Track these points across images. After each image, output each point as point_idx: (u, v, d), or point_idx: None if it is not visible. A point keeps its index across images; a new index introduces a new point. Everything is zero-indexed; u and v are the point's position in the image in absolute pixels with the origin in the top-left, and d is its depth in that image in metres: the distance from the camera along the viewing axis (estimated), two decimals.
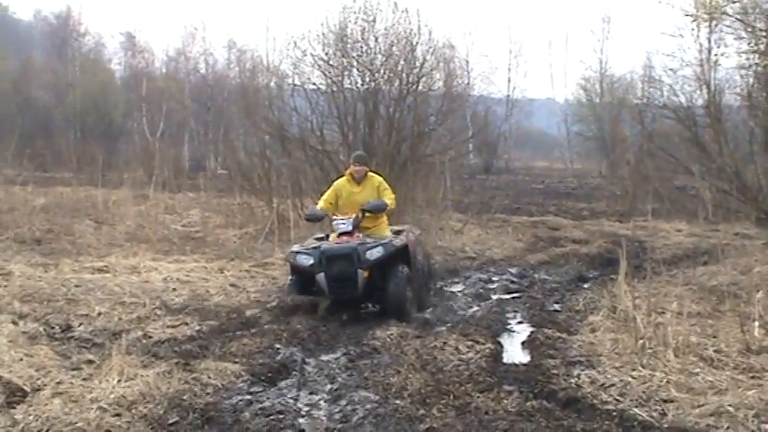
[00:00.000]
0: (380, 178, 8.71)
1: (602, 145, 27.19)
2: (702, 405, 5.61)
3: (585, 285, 11.13)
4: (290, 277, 8.40)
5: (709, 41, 15.66)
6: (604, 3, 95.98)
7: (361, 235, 8.02)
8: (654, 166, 19.19)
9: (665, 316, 7.66)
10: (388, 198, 8.36)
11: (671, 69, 17.52)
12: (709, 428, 5.13)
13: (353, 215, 8.15)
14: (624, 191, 21.86)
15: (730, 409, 5.39)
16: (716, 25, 14.79)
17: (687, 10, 13.84)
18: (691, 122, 16.60)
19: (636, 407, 5.61)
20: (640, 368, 6.37)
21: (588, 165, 29.44)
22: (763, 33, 13.06)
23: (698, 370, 6.30)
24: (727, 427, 5.10)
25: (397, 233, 8.72)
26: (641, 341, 6.79)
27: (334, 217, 8.17)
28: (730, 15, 13.39)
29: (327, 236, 8.55)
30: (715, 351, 6.74)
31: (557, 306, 9.78)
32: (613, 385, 6.11)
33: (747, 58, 14.57)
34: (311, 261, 7.82)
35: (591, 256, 13.38)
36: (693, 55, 16.60)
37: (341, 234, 8.08)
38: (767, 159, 15.41)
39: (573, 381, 6.32)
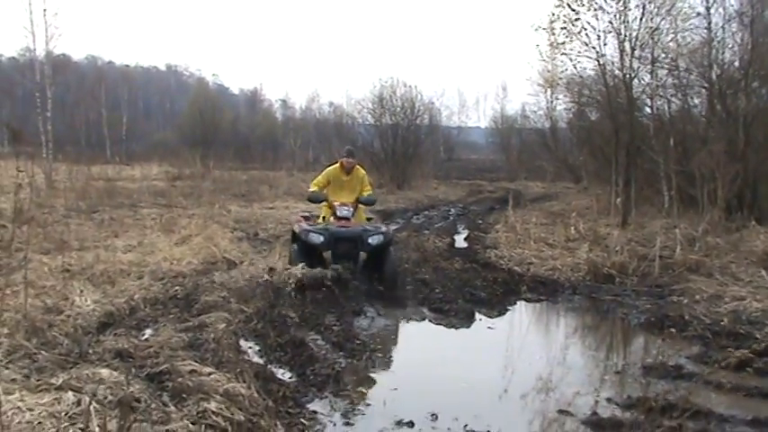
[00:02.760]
0: (364, 172, 9.85)
1: (503, 147, 42.42)
2: (546, 266, 10.91)
3: (494, 211, 20.46)
4: (294, 246, 9.29)
5: (551, 96, 30.29)
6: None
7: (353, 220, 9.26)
8: (526, 158, 34.38)
9: (530, 224, 14.44)
10: (368, 191, 9.81)
11: (533, 111, 32.67)
12: (550, 275, 10.35)
13: (352, 204, 9.41)
14: (512, 169, 37.10)
15: (559, 266, 10.69)
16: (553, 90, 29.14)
17: (540, 81, 28.04)
18: (543, 136, 31.83)
19: (515, 266, 11.14)
20: (518, 249, 12.37)
21: (497, 157, 45.07)
22: (577, 94, 23.01)
23: (544, 249, 12.05)
24: (557, 275, 10.26)
25: (369, 220, 10.20)
26: (518, 236, 13.40)
27: (338, 203, 9.31)
28: (561, 84, 23.56)
29: (310, 215, 10.18)
30: (552, 241, 12.80)
31: (480, 221, 18.04)
32: (505, 257, 11.93)
33: (567, 107, 27.24)
34: (321, 239, 8.68)
35: (496, 198, 24.47)
36: (543, 104, 31.49)
37: (341, 218, 9.15)
38: (580, 153, 27.00)
39: (487, 255, 12.09)
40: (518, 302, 9.23)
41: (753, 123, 15.45)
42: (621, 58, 15.44)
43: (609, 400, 5.22)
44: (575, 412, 5.01)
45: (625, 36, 15.47)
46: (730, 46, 16.66)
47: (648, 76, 16.41)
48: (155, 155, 37.40)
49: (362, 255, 8.96)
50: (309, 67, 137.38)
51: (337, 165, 9.66)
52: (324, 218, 9.66)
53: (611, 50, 16.23)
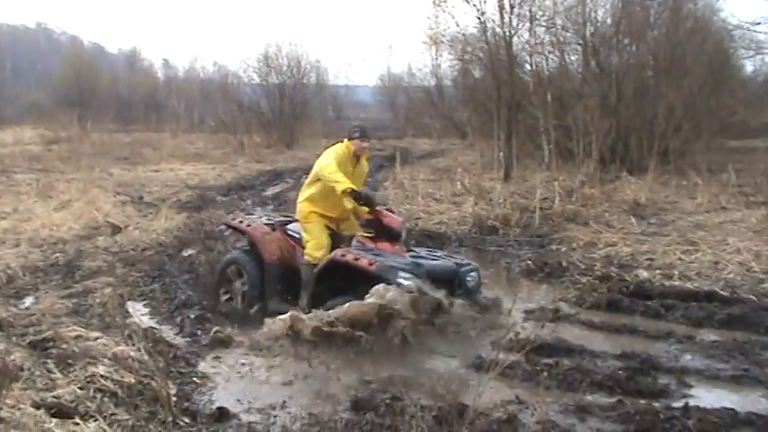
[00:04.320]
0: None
1: (391, 105, 42.43)
2: (434, 220, 11.40)
3: (383, 169, 19.95)
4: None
5: (436, 54, 30.57)
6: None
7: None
8: (413, 115, 34.74)
9: (417, 181, 14.73)
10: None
11: (419, 69, 32.84)
12: (437, 228, 10.72)
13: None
14: (400, 127, 37.29)
15: (447, 220, 11.14)
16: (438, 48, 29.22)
17: (424, 39, 28.07)
18: (429, 94, 32.20)
19: (406, 221, 9.36)
20: (407, 204, 12.58)
21: (385, 115, 44.30)
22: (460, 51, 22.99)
23: (432, 204, 12.63)
24: (444, 229, 10.64)
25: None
26: (406, 192, 13.68)
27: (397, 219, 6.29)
28: (444, 42, 23.50)
29: (277, 221, 6.83)
30: (439, 196, 13.41)
31: (369, 179, 15.74)
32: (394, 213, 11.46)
33: (451, 65, 27.15)
34: (411, 284, 5.43)
35: (385, 156, 23.60)
36: (428, 62, 31.53)
37: (392, 238, 6.06)
38: (465, 110, 26.55)
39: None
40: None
41: (624, 79, 16.30)
42: (501, 16, 15.85)
43: (492, 343, 5.46)
44: (458, 355, 5.24)
45: None
46: (603, 4, 17.46)
47: (527, 33, 16.92)
48: (27, 118, 35.23)
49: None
50: (192, 26, 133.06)
51: (343, 147, 6.40)
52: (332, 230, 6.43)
53: (491, 8, 16.58)
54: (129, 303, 6.54)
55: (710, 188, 12.44)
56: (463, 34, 19.30)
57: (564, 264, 8.30)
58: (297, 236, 6.46)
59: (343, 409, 4.20)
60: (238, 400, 4.36)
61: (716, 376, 4.90)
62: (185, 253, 8.83)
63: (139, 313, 6.34)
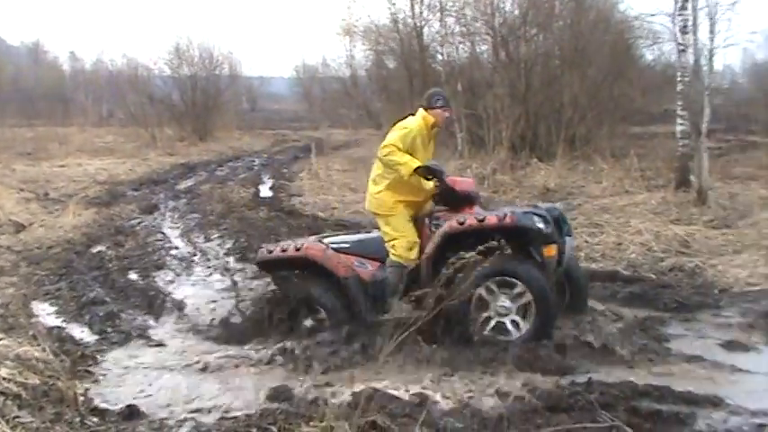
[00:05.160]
0: None
1: (306, 96, 42.03)
2: (349, 210, 11.49)
3: (298, 160, 20.01)
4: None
5: (350, 45, 30.31)
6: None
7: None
8: (328, 106, 34.52)
9: (333, 171, 14.91)
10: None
11: (334, 60, 32.57)
12: (353, 218, 10.71)
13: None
14: (315, 118, 36.91)
15: (362, 210, 10.33)
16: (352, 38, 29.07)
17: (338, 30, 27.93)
18: (344, 84, 32.11)
19: (319, 212, 11.43)
20: (322, 195, 12.65)
21: (301, 106, 43.71)
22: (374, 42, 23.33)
23: (347, 194, 12.81)
24: (360, 219, 10.72)
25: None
26: (322, 183, 13.62)
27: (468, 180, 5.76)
28: (357, 32, 23.31)
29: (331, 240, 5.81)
30: (355, 186, 13.37)
31: (285, 170, 17.67)
32: (309, 204, 12.20)
33: (365, 55, 28.31)
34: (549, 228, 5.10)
35: (301, 147, 23.86)
36: (343, 52, 31.29)
37: (466, 200, 5.44)
38: (378, 101, 27.00)
39: (292, 203, 12.38)
40: None
41: (532, 69, 16.68)
42: (412, 7, 15.97)
43: None
44: None
45: None
46: None
47: (438, 24, 17.09)
48: None
49: None
50: (99, 18, 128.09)
51: (419, 120, 5.52)
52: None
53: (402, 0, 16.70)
54: (34, 303, 6.33)
55: (615, 173, 12.90)
56: (375, 25, 19.33)
57: None
58: (344, 245, 5.65)
59: (259, 400, 4.18)
60: (149, 397, 4.29)
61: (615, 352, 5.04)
62: (94, 249, 8.61)
63: (45, 313, 6.14)
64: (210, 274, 7.78)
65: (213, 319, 5.95)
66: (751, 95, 24.65)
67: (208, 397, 4.29)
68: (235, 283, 7.11)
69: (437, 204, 5.55)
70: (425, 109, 5.51)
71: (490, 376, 4.57)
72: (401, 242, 5.32)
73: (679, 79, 11.07)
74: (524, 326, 5.05)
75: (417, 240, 5.35)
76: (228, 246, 8.97)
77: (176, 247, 8.75)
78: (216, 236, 9.38)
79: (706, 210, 9.75)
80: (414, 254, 5.31)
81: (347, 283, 5.38)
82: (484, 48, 18.18)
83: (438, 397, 4.17)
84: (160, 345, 5.21)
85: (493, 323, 5.07)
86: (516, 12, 17.81)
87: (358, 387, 4.17)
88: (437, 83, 16.72)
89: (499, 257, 4.96)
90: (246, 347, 5.12)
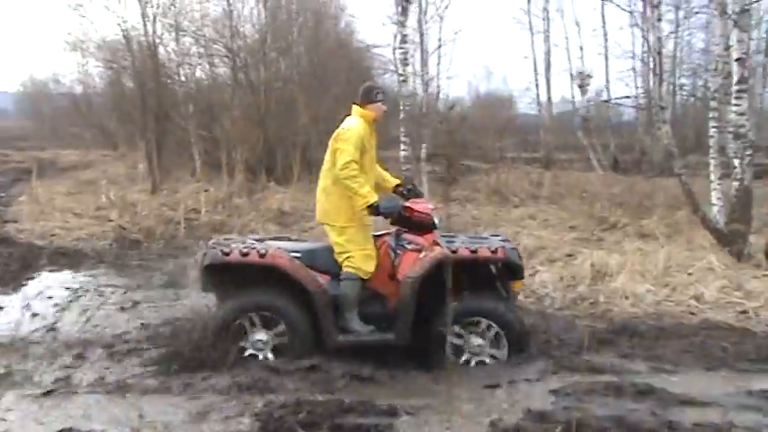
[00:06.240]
0: None
1: (34, 113, 38.27)
2: (72, 236, 10.98)
3: (20, 182, 17.83)
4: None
5: (83, 60, 28.39)
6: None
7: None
8: (59, 124, 31.89)
9: (57, 195, 13.84)
10: None
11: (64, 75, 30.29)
12: (75, 245, 10.38)
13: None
14: (44, 137, 33.77)
15: (86, 236, 10.88)
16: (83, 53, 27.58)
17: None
18: (75, 102, 29.97)
19: (37, 239, 10.55)
20: (42, 221, 11.61)
21: (28, 123, 39.44)
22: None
23: (71, 220, 11.83)
24: (82, 246, 10.33)
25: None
26: (42, 208, 12.55)
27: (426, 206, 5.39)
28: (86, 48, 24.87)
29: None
30: (80, 210, 12.50)
31: (2, 194, 15.90)
32: (26, 230, 11.12)
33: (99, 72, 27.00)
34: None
35: (24, 169, 20.86)
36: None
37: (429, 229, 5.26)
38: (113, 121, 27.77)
39: (6, 229, 11.28)
40: (38, 276, 8.69)
41: (271, 92, 16.84)
42: (144, 24, 15.35)
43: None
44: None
45: (147, 1, 15.37)
46: (249, 18, 17.87)
47: (174, 43, 16.63)
48: None
49: None
50: None
51: (359, 119, 5.20)
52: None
53: (135, 16, 16.01)
54: None
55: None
56: (104, 41, 18.30)
57: None
58: (295, 255, 5.18)
59: None
60: None
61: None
62: None
63: None
64: None
65: None
66: (477, 124, 27.04)
67: None
68: None
69: (394, 225, 5.35)
70: (363, 104, 5.22)
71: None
72: (360, 255, 5.07)
73: (401, 108, 11.81)
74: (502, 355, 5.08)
75: (374, 253, 5.14)
76: None
77: None
78: None
79: None
80: (372, 266, 5.09)
81: (316, 297, 5.01)
82: (223, 70, 18.02)
83: None
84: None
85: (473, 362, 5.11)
86: (256, 36, 17.94)
87: None
88: (174, 103, 16.27)
89: (469, 297, 5.02)
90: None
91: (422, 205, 5.34)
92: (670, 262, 7.68)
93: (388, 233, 5.35)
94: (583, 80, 22.05)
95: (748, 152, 8.23)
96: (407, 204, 5.26)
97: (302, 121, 15.81)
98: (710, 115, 9.41)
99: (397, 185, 5.55)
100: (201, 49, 17.34)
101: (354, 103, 5.28)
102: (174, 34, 16.39)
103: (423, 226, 5.23)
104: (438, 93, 23.13)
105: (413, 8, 12.31)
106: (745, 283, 6.88)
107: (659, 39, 8.40)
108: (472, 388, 4.67)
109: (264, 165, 15.36)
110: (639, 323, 6.13)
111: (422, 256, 5.04)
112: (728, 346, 5.40)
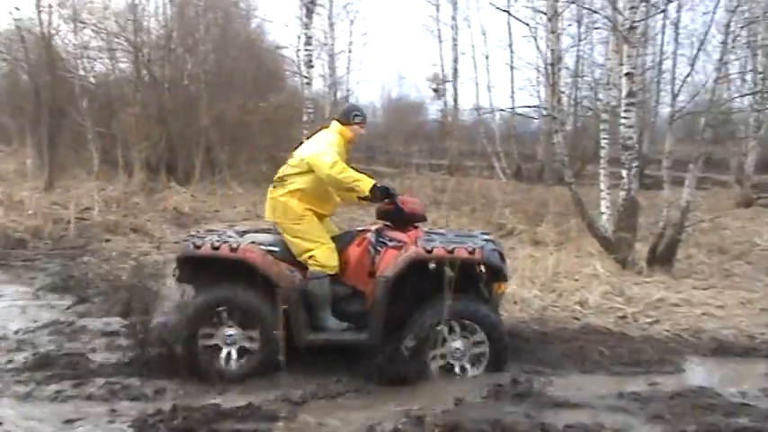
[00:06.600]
0: None
1: None
2: None
3: None
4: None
5: None
6: None
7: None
8: None
9: None
10: None
11: None
12: None
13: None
14: None
15: None
16: None
17: None
18: None
19: None
20: None
21: None
22: None
23: None
24: None
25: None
26: None
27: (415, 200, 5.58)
28: None
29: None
30: None
31: None
32: None
33: None
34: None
35: None
36: None
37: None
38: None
39: None
40: None
41: (176, 90, 16.47)
42: (39, 15, 14.69)
43: None
44: None
45: None
46: (154, 13, 17.44)
47: (73, 35, 16.00)
48: None
49: None
50: None
51: (336, 135, 5.21)
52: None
53: (29, 6, 15.33)
54: None
55: (251, 198, 13.21)
56: None
57: (90, 276, 8.03)
58: (271, 249, 5.01)
59: None
60: None
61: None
62: None
63: None
64: None
65: None
66: (387, 129, 27.23)
67: None
68: None
69: (380, 219, 5.26)
70: (343, 124, 5.19)
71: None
72: (321, 251, 4.95)
73: (305, 110, 11.75)
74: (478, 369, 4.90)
75: (334, 246, 5.02)
76: None
77: None
78: None
79: None
80: (336, 260, 4.98)
81: (286, 295, 4.81)
82: (125, 65, 17.48)
83: None
84: None
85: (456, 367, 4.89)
86: (162, 31, 17.51)
87: None
88: (71, 97, 15.67)
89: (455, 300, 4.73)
90: None
91: (412, 199, 5.42)
92: (559, 268, 7.91)
93: (368, 230, 5.27)
94: (438, 84, 22.43)
95: (635, 163, 8.58)
96: (401, 198, 5.20)
97: (207, 121, 15.51)
98: (602, 127, 9.75)
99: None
100: (102, 43, 16.75)
101: (335, 119, 5.30)
102: (72, 26, 15.74)
103: (414, 218, 5.21)
104: (347, 96, 23.26)
105: (322, 11, 12.32)
106: (626, 290, 7.15)
107: (553, 51, 8.65)
108: (359, 390, 4.70)
109: (166, 164, 14.97)
110: (525, 328, 6.24)
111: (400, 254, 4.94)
112: (605, 350, 5.57)
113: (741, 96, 15.64)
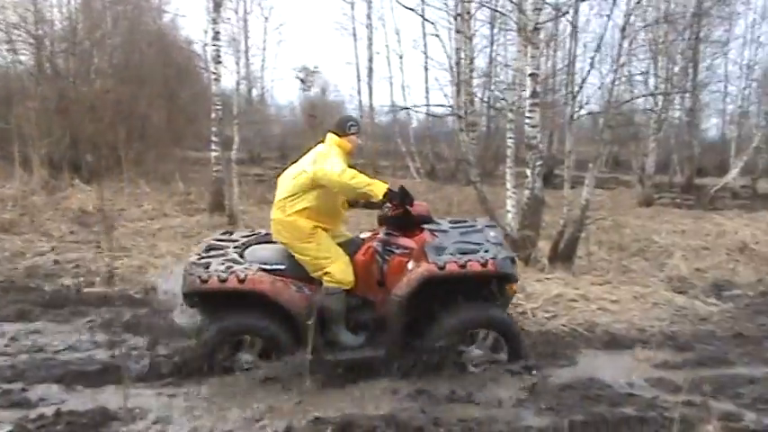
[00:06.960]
0: None
1: None
2: None
3: None
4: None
5: None
6: None
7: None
8: None
9: None
10: None
11: None
12: None
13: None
14: None
15: None
16: None
17: None
18: None
19: None
20: None
21: None
22: None
23: None
24: None
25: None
26: None
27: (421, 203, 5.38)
28: None
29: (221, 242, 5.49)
30: None
31: None
32: None
33: None
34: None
35: None
36: None
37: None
38: None
39: None
40: None
41: (81, 84, 15.89)
42: None
43: None
44: None
45: None
46: (59, 6, 16.80)
47: None
48: None
49: None
50: None
51: (335, 147, 5.00)
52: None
53: None
54: None
55: (158, 196, 12.90)
56: None
57: None
58: (278, 267, 4.92)
59: None
60: None
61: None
62: None
63: None
64: None
65: None
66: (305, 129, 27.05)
67: None
68: None
69: (384, 226, 5.18)
70: (339, 136, 5.00)
71: None
72: (336, 266, 4.87)
73: (214, 107, 11.52)
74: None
75: (348, 259, 4.95)
76: None
77: None
78: None
79: None
80: (351, 274, 4.92)
81: (300, 320, 4.69)
82: (25, 57, 16.74)
83: None
84: None
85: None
86: (66, 23, 16.88)
87: None
88: None
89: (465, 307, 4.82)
90: None
91: (420, 204, 5.25)
92: None
93: (374, 238, 5.18)
94: (306, 75, 22.50)
95: (539, 162, 8.79)
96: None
97: (114, 117, 15.02)
98: (508, 127, 9.95)
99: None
100: (2, 34, 15.99)
101: (330, 131, 5.08)
102: None
103: (422, 220, 5.18)
104: (262, 94, 23.03)
105: (237, 6, 12.07)
106: (527, 286, 7.29)
107: (458, 50, 8.76)
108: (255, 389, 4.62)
109: (69, 161, 14.41)
110: None
111: (410, 268, 4.84)
112: None
113: (638, 98, 16.18)
